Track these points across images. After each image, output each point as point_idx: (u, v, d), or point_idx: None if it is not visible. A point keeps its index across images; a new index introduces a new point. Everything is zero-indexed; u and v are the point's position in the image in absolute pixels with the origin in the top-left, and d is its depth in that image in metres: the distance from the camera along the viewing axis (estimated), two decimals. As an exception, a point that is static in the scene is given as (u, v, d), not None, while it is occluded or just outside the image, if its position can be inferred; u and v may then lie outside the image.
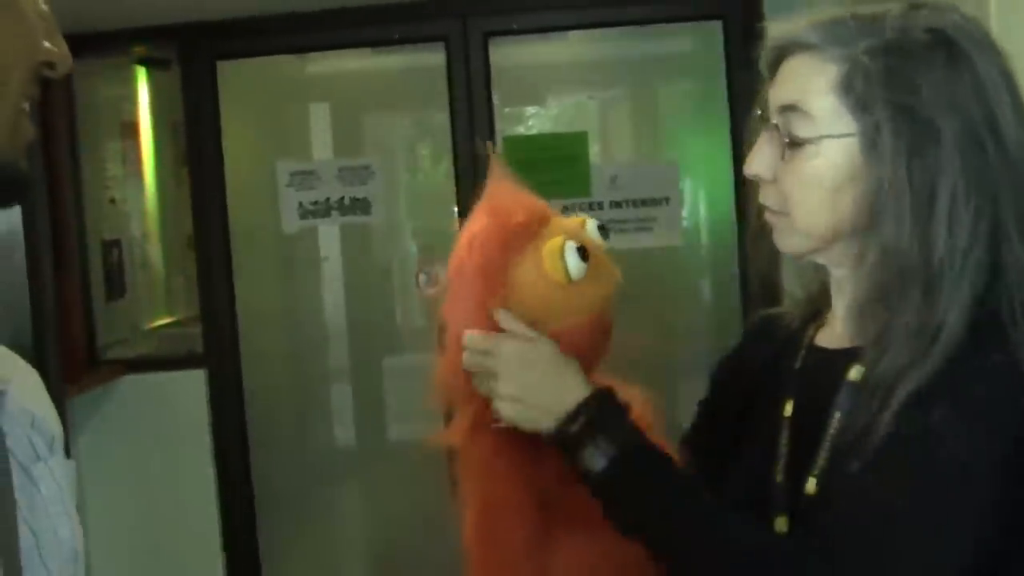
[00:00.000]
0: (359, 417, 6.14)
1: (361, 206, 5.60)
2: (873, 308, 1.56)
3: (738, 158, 5.38)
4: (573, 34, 5.82)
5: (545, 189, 1.75)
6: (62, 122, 5.50)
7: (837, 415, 1.59)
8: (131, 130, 6.28)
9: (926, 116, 1.50)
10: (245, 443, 5.65)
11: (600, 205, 5.40)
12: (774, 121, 1.64)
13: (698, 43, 5.77)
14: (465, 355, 1.71)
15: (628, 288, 1.75)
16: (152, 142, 6.42)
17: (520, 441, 1.70)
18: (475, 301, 1.72)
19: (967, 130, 1.50)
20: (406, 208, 6.10)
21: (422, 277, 5.82)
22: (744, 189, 5.53)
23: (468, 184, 5.39)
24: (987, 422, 1.45)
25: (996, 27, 3.15)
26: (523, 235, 1.69)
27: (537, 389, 1.66)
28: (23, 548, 1.04)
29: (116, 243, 5.99)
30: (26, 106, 1.09)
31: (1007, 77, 1.56)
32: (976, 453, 1.43)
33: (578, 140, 5.52)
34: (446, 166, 5.66)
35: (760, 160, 1.66)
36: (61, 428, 1.23)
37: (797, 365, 1.75)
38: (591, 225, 1.69)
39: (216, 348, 5.60)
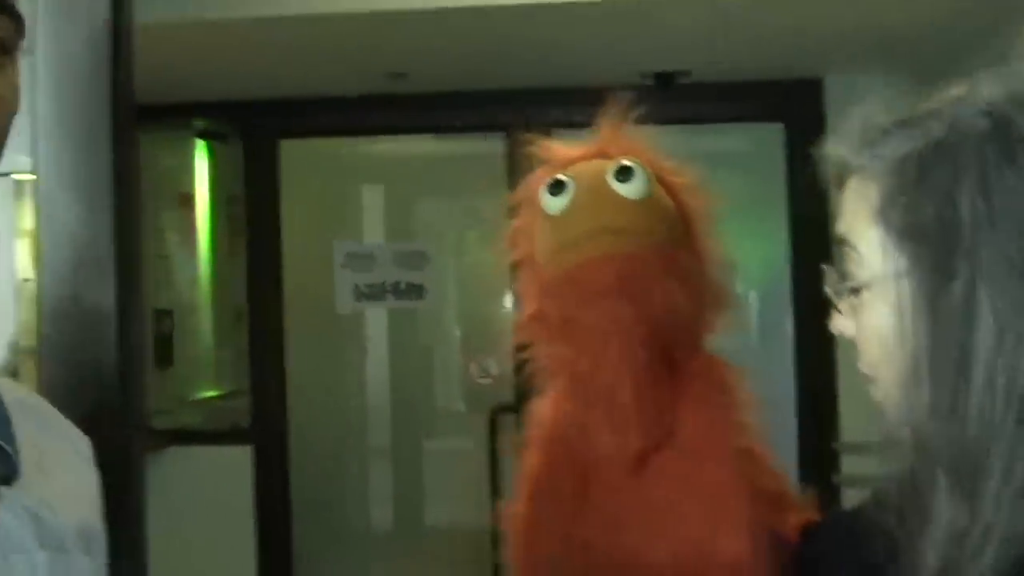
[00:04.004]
0: (398, 499, 6.12)
1: (415, 291, 5.61)
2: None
3: (798, 263, 5.41)
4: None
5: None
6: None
7: None
8: (187, 201, 6.33)
9: (958, 238, 1.09)
10: (288, 522, 5.62)
11: (654, 301, 5.37)
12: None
13: (757, 143, 5.78)
14: None
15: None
16: (207, 213, 6.47)
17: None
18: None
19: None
20: (454, 293, 6.12)
21: (475, 367, 5.83)
22: (803, 297, 5.43)
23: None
24: None
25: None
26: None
27: None
28: None
29: (168, 312, 6.01)
30: None
31: None
32: None
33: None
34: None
35: (840, 315, 1.30)
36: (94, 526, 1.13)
37: None
38: (610, 169, 1.60)
39: (263, 424, 5.60)
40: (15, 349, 6.63)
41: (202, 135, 6.27)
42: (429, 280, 5.63)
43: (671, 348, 1.55)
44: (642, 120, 1.93)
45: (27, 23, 2.69)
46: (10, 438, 1.02)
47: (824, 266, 1.30)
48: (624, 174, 1.51)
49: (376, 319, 5.98)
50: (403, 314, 5.89)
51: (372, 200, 6.19)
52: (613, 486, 1.56)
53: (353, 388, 6.05)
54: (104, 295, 2.47)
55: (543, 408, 1.70)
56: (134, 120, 2.63)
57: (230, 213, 6.34)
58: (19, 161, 5.53)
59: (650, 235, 1.52)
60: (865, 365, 1.26)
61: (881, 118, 1.25)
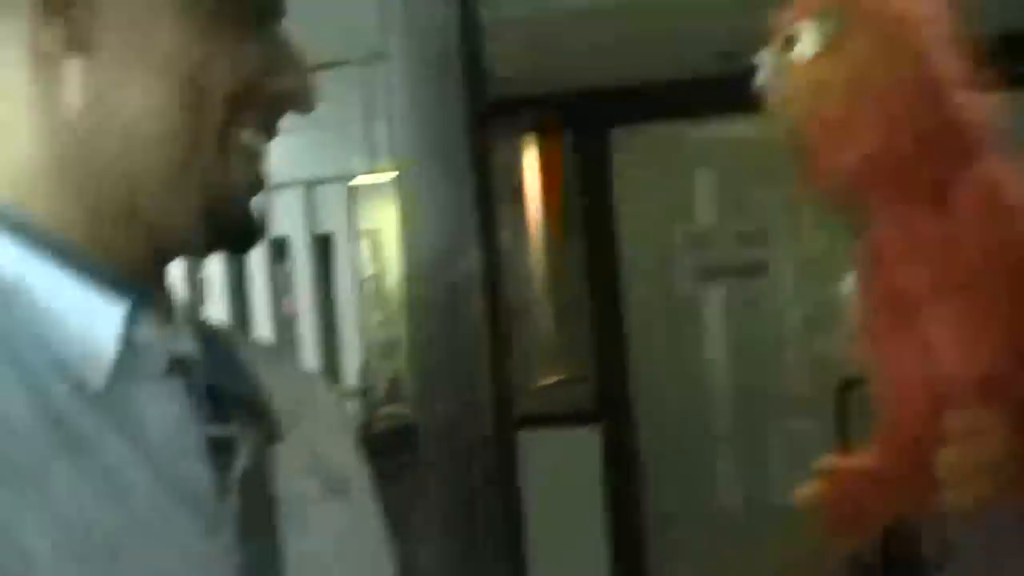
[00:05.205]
0: (744, 479, 6.11)
1: (756, 268, 5.58)
2: None
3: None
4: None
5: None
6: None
7: None
8: (520, 194, 6.44)
9: None
10: (637, 505, 5.67)
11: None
12: None
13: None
14: None
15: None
16: (540, 204, 6.57)
17: None
18: None
19: None
20: (794, 273, 6.06)
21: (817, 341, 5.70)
22: None
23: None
24: None
25: None
26: None
27: None
28: None
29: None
30: (248, 142, 0.88)
31: None
32: None
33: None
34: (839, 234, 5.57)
35: None
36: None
37: None
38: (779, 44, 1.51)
39: (609, 408, 5.67)
40: (365, 347, 6.92)
41: (532, 128, 6.39)
42: (770, 256, 5.60)
43: (934, 175, 1.33)
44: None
45: (374, 33, 2.72)
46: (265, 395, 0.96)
47: None
48: (787, 44, 1.38)
49: (715, 299, 5.98)
50: (742, 293, 5.87)
51: (705, 183, 6.18)
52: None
53: (695, 369, 6.06)
54: (474, 299, 2.55)
55: None
56: (485, 116, 2.68)
57: (564, 202, 6.44)
58: (355, 166, 5.72)
59: (837, 88, 1.33)
60: None
61: None
